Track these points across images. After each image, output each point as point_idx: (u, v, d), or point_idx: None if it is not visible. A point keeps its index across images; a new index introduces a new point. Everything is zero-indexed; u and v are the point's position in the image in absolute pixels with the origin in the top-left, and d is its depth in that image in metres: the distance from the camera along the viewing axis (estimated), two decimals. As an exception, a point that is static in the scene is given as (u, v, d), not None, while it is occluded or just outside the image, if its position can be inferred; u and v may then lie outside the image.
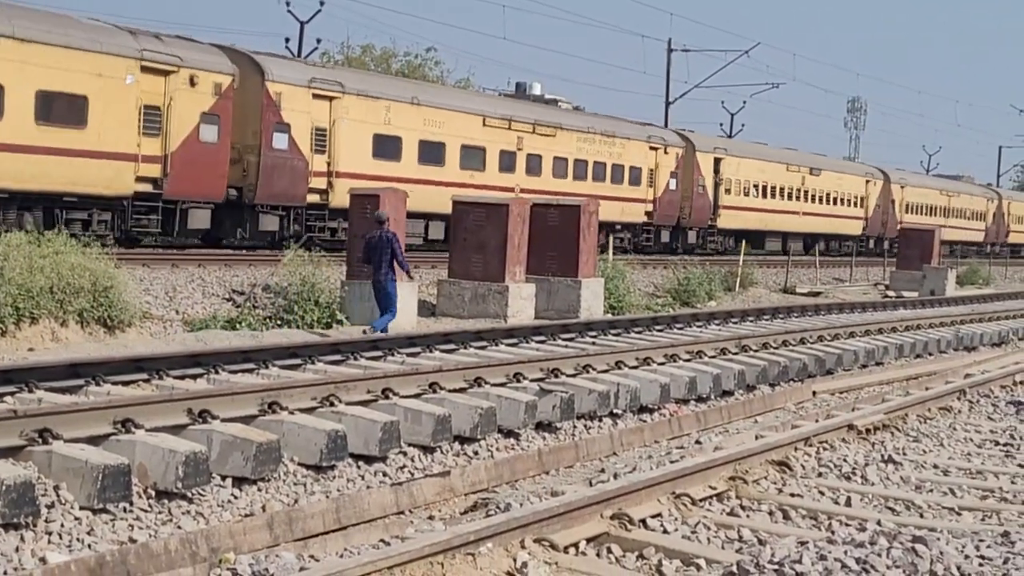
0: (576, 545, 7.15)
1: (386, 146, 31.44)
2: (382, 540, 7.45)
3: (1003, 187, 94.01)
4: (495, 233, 22.03)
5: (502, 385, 12.78)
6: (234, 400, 10.26)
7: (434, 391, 11.94)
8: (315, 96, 29.44)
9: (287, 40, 44.47)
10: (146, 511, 8.39)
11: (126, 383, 11.63)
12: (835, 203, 55.28)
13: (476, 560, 6.51)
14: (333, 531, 7.92)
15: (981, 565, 6.25)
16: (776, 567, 6.00)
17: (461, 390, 12.26)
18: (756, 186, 48.97)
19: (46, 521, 7.76)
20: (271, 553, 6.88)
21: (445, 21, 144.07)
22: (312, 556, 6.94)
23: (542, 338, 17.63)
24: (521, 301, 21.99)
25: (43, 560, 7.13)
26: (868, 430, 11.31)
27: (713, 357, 16.53)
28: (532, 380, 13.16)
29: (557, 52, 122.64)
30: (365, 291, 19.79)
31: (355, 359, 14.20)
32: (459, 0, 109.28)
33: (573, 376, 13.73)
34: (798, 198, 52.06)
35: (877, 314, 27.34)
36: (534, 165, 36.78)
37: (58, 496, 8.06)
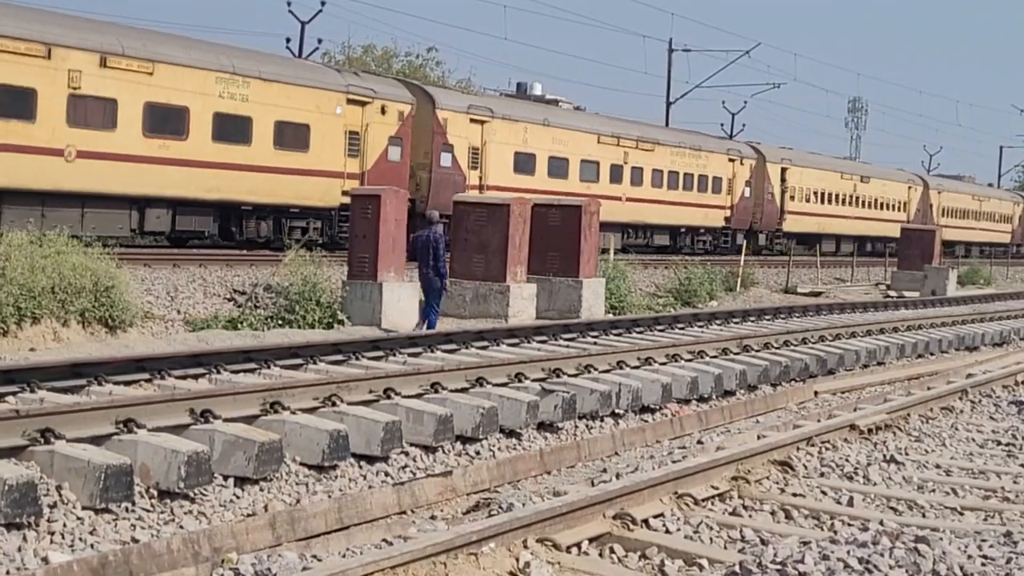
0: (578, 545, 7.16)
1: (524, 162, 36.61)
2: (384, 540, 7.45)
3: (1003, 187, 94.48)
4: (496, 233, 22.03)
5: (504, 385, 12.78)
6: (236, 400, 10.26)
7: (436, 391, 11.94)
8: (471, 120, 34.54)
9: (288, 40, 44.43)
10: (148, 511, 8.39)
11: (128, 383, 11.63)
12: (881, 208, 59.80)
13: (479, 560, 6.51)
14: (335, 531, 7.92)
15: (984, 565, 6.24)
16: (779, 567, 6.00)
17: (463, 390, 12.26)
18: (816, 193, 53.97)
19: (48, 521, 7.76)
20: (273, 553, 6.88)
21: (446, 21, 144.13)
22: (314, 556, 6.93)
23: (544, 338, 17.62)
24: (522, 301, 21.99)
25: (45, 560, 7.13)
26: (870, 430, 11.31)
27: (715, 357, 16.53)
28: (534, 380, 13.16)
29: (558, 52, 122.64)
30: (366, 291, 19.82)
31: (357, 359, 14.20)
32: (460, 0, 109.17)
33: (575, 376, 13.73)
34: (851, 203, 56.73)
35: (878, 314, 27.34)
36: (637, 177, 41.55)
37: (60, 496, 8.06)
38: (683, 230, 45.36)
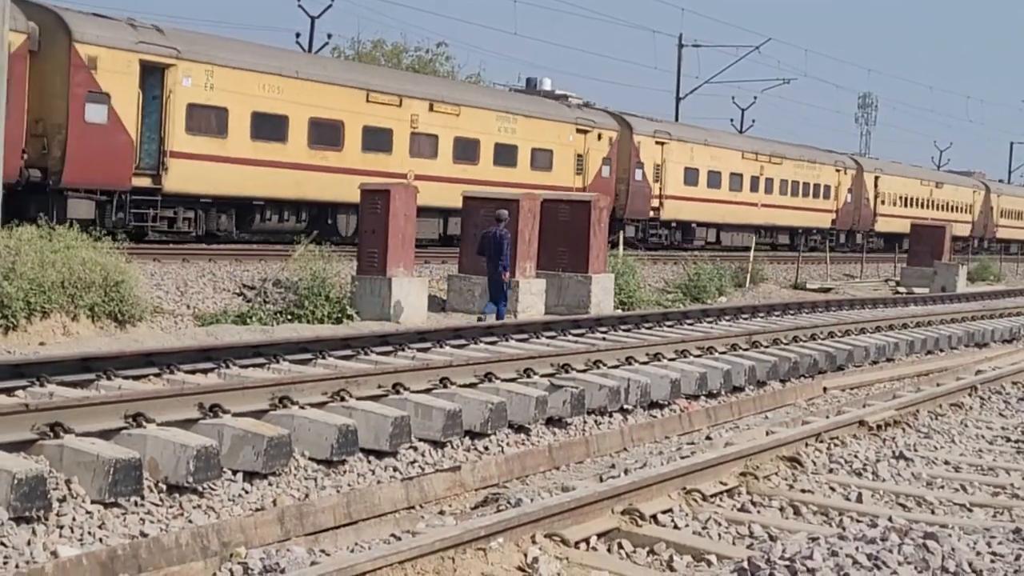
0: (587, 540, 7.15)
1: (691, 176, 44.65)
2: (393, 535, 7.45)
3: (1014, 183, 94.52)
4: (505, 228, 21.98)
5: (512, 380, 12.77)
6: (245, 395, 10.26)
7: (444, 386, 11.94)
8: (656, 143, 42.88)
9: (298, 35, 44.61)
10: (157, 505, 8.40)
11: (137, 377, 11.65)
12: (952, 210, 66.75)
13: (487, 555, 6.51)
14: (344, 526, 7.92)
15: (993, 561, 6.23)
16: (787, 563, 5.99)
17: (471, 385, 12.26)
18: (901, 198, 61.18)
19: (58, 515, 7.77)
20: (282, 547, 6.89)
21: (456, 16, 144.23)
22: (323, 551, 6.94)
23: (552, 333, 17.62)
24: (531, 296, 21.99)
25: (55, 554, 7.14)
26: (879, 426, 11.29)
27: (723, 353, 16.50)
28: (542, 375, 13.16)
29: (567, 47, 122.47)
30: (375, 286, 19.84)
31: (365, 354, 14.21)
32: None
33: (583, 371, 13.72)
34: (928, 207, 63.48)
35: (888, 310, 27.29)
36: (769, 186, 49.55)
37: (69, 490, 8.07)
38: (800, 231, 52.37)
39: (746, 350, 17.06)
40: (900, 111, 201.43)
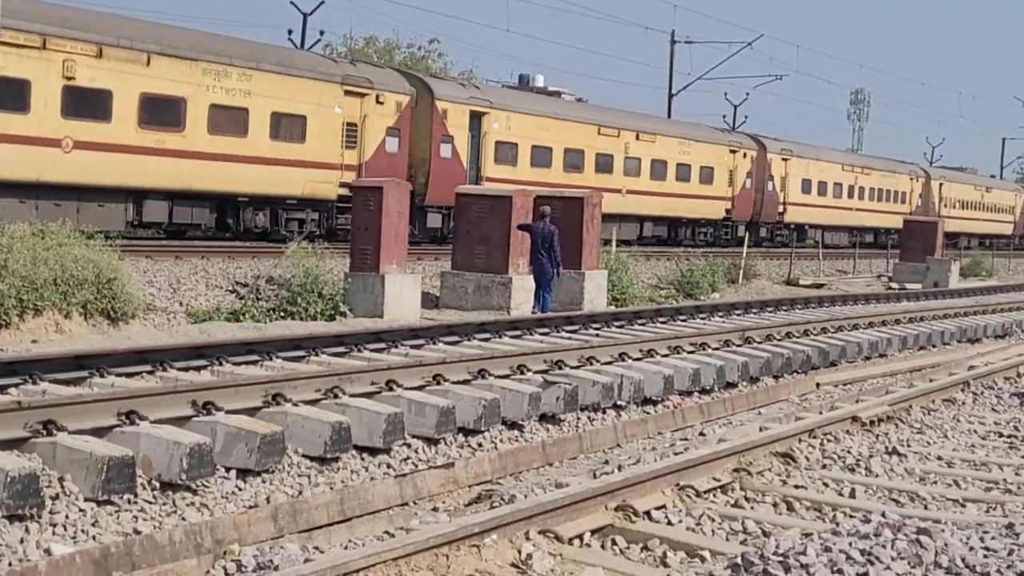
0: (581, 537, 7.16)
1: (807, 186, 53.86)
2: (387, 532, 7.44)
3: (1006, 179, 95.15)
4: (498, 225, 22.04)
5: (506, 377, 12.77)
6: (238, 392, 10.26)
7: (438, 383, 11.94)
8: (782, 159, 51.75)
9: (290, 32, 44.48)
10: (150, 503, 8.39)
11: (130, 375, 11.63)
12: (998, 212, 76.58)
13: (481, 552, 6.51)
14: (337, 523, 7.92)
15: (986, 557, 6.24)
16: (781, 559, 6.00)
17: (465, 382, 12.26)
18: (959, 201, 70.62)
19: (51, 513, 7.76)
20: (275, 545, 6.89)
21: (448, 13, 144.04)
22: (317, 548, 6.93)
23: (545, 330, 17.62)
24: (525, 293, 21.99)
25: (48, 552, 7.13)
26: (872, 422, 11.30)
27: (717, 349, 16.52)
28: (536, 372, 13.16)
29: (560, 44, 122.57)
30: (368, 283, 19.83)
31: (359, 351, 14.20)
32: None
33: (577, 368, 13.72)
34: (979, 209, 73.44)
35: (880, 306, 27.32)
36: (862, 193, 58.78)
37: (63, 488, 8.06)
38: (882, 230, 60.33)
39: (739, 346, 17.07)
40: (892, 107, 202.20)
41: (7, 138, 22.87)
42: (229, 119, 27.76)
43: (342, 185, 29.73)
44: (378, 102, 31.57)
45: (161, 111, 26.09)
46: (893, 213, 59.47)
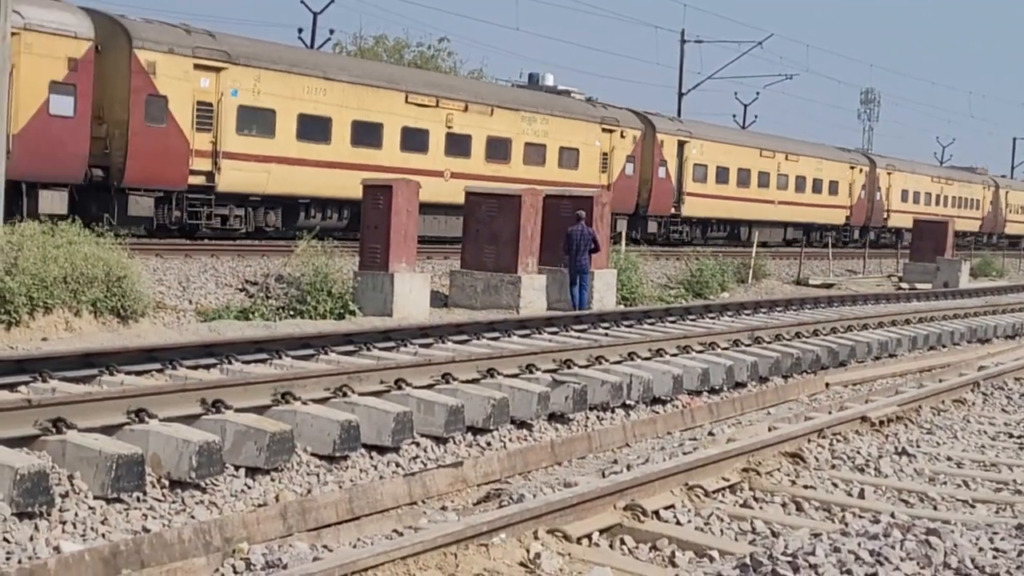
0: (589, 536, 7.15)
1: (905, 195, 60.93)
2: (395, 531, 7.45)
3: (1016, 179, 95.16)
4: (508, 224, 22.04)
5: (515, 376, 12.77)
6: (247, 390, 10.27)
7: (447, 382, 11.94)
8: (887, 173, 59.16)
9: (300, 31, 44.52)
10: (160, 501, 8.40)
11: (139, 373, 11.66)
12: None
13: (489, 551, 6.51)
14: (346, 521, 7.93)
15: (995, 557, 6.22)
16: (789, 559, 5.99)
17: (474, 381, 12.27)
18: (1020, 207, 78.77)
19: (60, 510, 7.78)
20: (284, 543, 6.90)
21: (458, 12, 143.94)
22: (325, 546, 6.93)
23: (554, 329, 17.62)
24: (533, 292, 22.00)
25: (57, 549, 7.14)
26: (881, 422, 11.28)
27: (726, 349, 16.51)
28: (545, 371, 13.16)
29: (570, 43, 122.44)
30: (378, 282, 19.84)
31: (368, 350, 14.21)
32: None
33: (586, 367, 13.72)
34: None
35: (890, 306, 27.28)
36: (941, 201, 64.63)
37: (72, 486, 8.08)
38: (964, 233, 64.82)
39: (748, 346, 17.05)
40: (903, 107, 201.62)
41: (415, 171, 28.01)
42: (535, 153, 36.31)
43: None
44: (621, 136, 40.23)
45: (498, 148, 34.83)
46: (971, 218, 70.10)
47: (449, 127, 33.17)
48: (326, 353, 13.69)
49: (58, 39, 23.58)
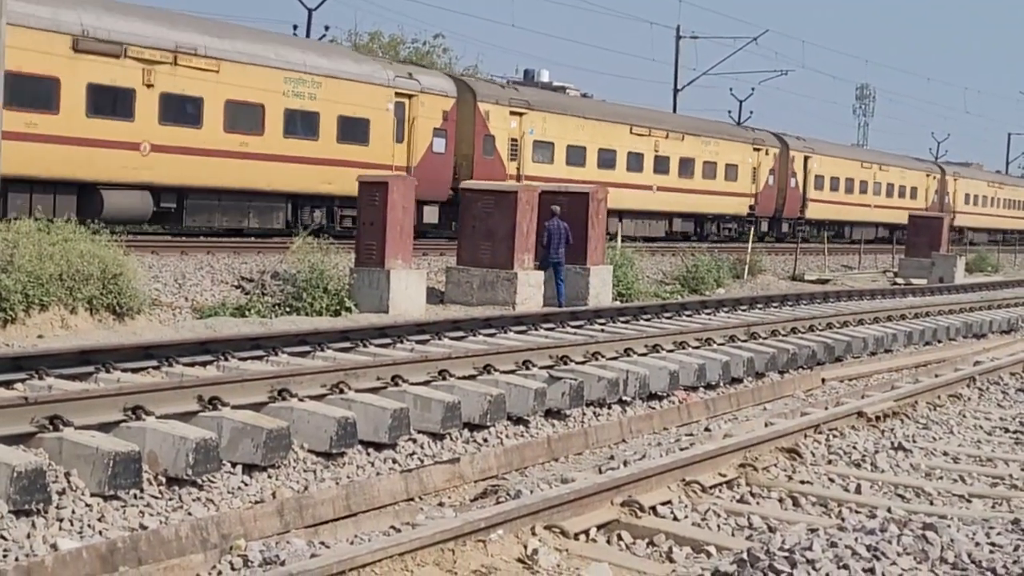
0: (586, 532, 7.16)
1: (972, 199, 67.58)
2: (392, 527, 7.45)
3: (1012, 175, 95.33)
4: (504, 220, 22.03)
5: (511, 372, 12.78)
6: (244, 387, 10.27)
7: (443, 378, 11.95)
8: (953, 180, 66.22)
9: (295, 27, 44.41)
10: (157, 498, 8.40)
11: (136, 370, 11.65)
12: None
13: (487, 547, 6.51)
14: (343, 518, 7.93)
15: (992, 552, 6.23)
16: (786, 554, 5.99)
17: (470, 377, 12.27)
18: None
19: (57, 508, 7.77)
20: (281, 539, 6.89)
21: (453, 8, 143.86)
22: (322, 543, 6.93)
23: (551, 325, 17.63)
24: (529, 288, 21.99)
25: (54, 546, 7.14)
26: (877, 417, 11.30)
27: (722, 344, 16.52)
28: (541, 367, 13.16)
29: (565, 39, 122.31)
30: (373, 278, 19.84)
31: (364, 346, 14.21)
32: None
33: (582, 363, 13.73)
34: None
35: (886, 301, 27.30)
36: (995, 204, 72.12)
37: (69, 483, 8.08)
38: (1011, 231, 73.64)
39: (744, 341, 17.06)
40: (898, 102, 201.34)
41: (635, 186, 40.22)
42: (709, 169, 45.41)
43: (750, 208, 48.44)
44: (765, 154, 48.73)
45: (687, 166, 43.32)
46: (1016, 218, 77.86)
47: (656, 151, 42.21)
48: (322, 350, 13.69)
49: (438, 98, 32.78)
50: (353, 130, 30.09)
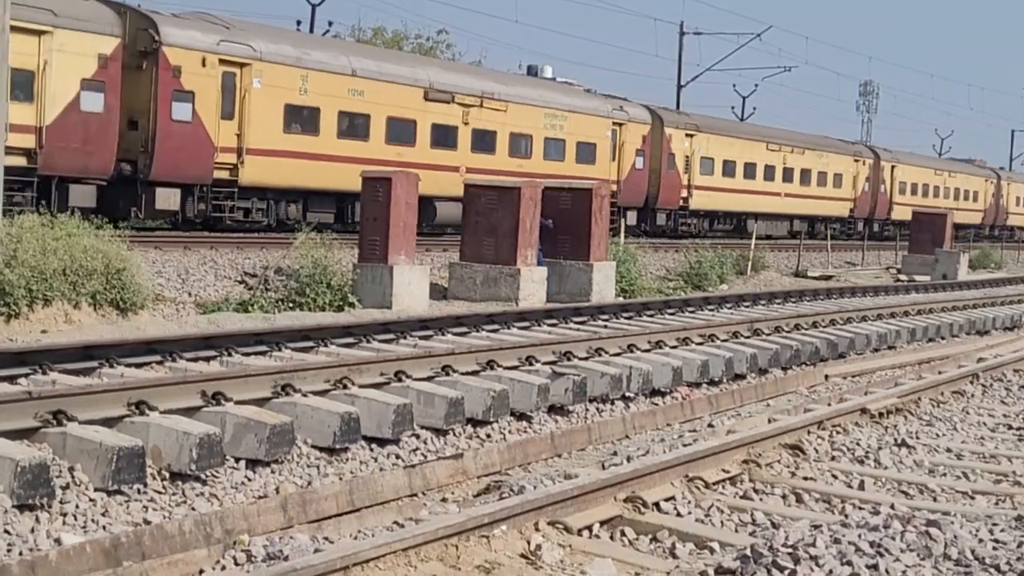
0: (590, 528, 7.16)
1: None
2: (396, 522, 7.46)
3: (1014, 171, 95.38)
4: (507, 216, 22.02)
5: (515, 368, 12.77)
6: (247, 382, 10.26)
7: (447, 374, 11.94)
8: (1007, 184, 73.85)
9: (299, 22, 44.46)
10: (160, 493, 8.40)
11: (139, 365, 11.64)
12: None
13: (490, 542, 6.52)
14: (347, 513, 7.93)
15: (995, 549, 6.24)
16: (790, 550, 6.00)
17: (474, 373, 12.26)
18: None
19: (61, 502, 7.77)
20: (285, 535, 6.89)
21: (456, 3, 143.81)
22: (326, 538, 6.94)
23: (554, 321, 17.62)
24: (533, 284, 21.99)
25: (58, 541, 7.14)
26: (881, 414, 11.30)
27: (725, 340, 16.50)
28: (544, 363, 13.16)
29: (568, 35, 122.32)
30: (377, 274, 19.84)
31: (368, 342, 14.21)
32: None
33: (585, 359, 13.72)
34: None
35: (889, 298, 27.29)
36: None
37: (73, 478, 8.08)
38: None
39: (748, 337, 17.06)
40: (901, 99, 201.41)
41: (768, 193, 48.86)
42: (806, 177, 51.70)
43: (850, 212, 55.83)
44: (863, 164, 56.14)
45: (788, 174, 49.93)
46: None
47: (784, 163, 49.96)
48: (326, 345, 13.69)
49: (639, 125, 41.77)
50: (585, 152, 38.92)
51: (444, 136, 32.83)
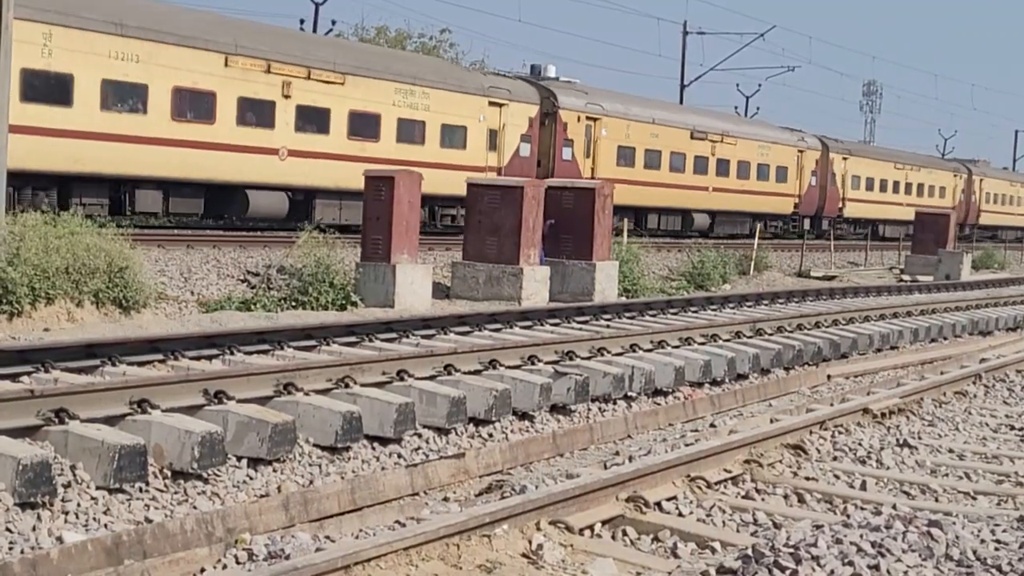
0: (591, 527, 7.16)
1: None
2: (397, 521, 7.45)
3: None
4: (509, 215, 22.02)
5: (517, 367, 12.77)
6: (250, 381, 10.27)
7: (449, 373, 11.94)
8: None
9: (302, 21, 44.46)
10: (162, 491, 8.41)
11: (142, 364, 11.65)
12: None
13: (492, 542, 6.52)
14: (348, 512, 7.93)
15: (997, 549, 6.23)
16: (791, 550, 5.99)
17: (476, 372, 12.27)
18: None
19: (63, 500, 7.78)
20: (287, 534, 6.89)
21: (459, 3, 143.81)
22: (328, 537, 6.94)
23: (556, 321, 17.62)
24: (535, 284, 21.99)
25: (60, 539, 7.15)
26: (883, 414, 11.29)
27: (727, 340, 16.50)
28: (547, 363, 13.16)
29: (572, 34, 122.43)
30: (379, 273, 19.85)
31: (370, 341, 14.21)
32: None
33: (587, 359, 13.72)
34: None
35: (892, 298, 27.26)
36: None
37: (74, 476, 8.08)
38: None
39: (750, 337, 17.05)
40: (905, 99, 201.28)
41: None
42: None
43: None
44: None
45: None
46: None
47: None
48: (328, 344, 13.69)
49: (814, 151, 53.00)
50: (781, 175, 51.27)
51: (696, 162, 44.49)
